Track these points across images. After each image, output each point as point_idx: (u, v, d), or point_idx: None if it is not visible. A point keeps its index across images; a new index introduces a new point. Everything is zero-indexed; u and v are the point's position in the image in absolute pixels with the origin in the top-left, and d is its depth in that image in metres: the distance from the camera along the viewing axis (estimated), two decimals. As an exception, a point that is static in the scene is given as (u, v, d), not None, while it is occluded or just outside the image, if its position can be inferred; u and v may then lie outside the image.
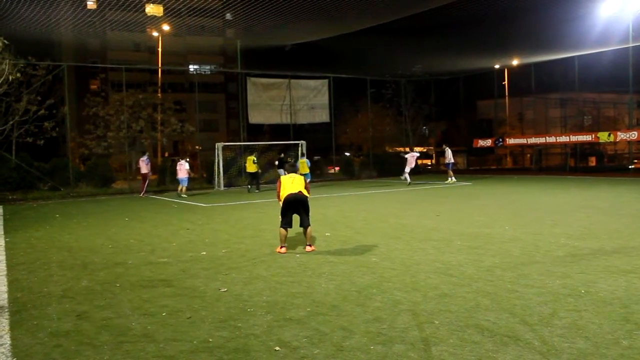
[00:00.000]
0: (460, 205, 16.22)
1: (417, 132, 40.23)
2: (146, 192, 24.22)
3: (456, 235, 10.38)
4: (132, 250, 9.77)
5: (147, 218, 15.06)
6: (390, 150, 41.46)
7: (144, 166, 24.08)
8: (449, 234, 10.48)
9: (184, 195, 22.55)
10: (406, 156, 26.61)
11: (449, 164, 27.11)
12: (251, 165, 24.88)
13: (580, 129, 38.08)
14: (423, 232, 10.94)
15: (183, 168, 22.54)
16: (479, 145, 37.53)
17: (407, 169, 25.96)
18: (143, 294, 6.64)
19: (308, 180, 27.07)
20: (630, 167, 32.34)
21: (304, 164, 24.64)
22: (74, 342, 5.01)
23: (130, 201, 21.55)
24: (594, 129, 38.05)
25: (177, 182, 23.03)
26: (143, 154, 24.91)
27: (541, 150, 39.05)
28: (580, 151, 36.81)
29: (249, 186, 24.98)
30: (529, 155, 42.89)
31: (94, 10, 27.96)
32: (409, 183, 25.95)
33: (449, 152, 27.02)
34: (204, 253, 9.25)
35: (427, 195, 20.46)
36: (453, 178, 26.92)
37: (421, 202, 17.40)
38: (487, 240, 9.73)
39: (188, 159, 23.72)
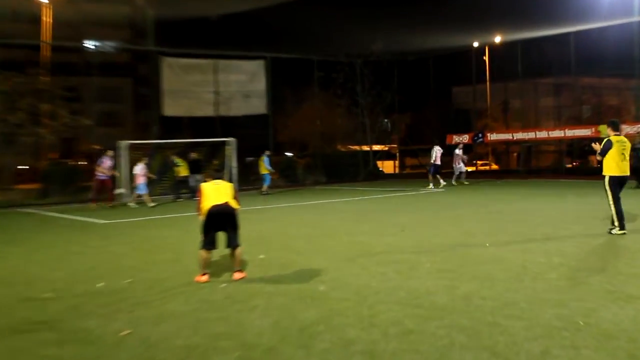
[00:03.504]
0: (430, 217, 16.41)
1: (377, 127, 40.68)
2: (97, 200, 23.52)
3: (425, 255, 10.45)
4: (2, 284, 9.43)
5: (23, 240, 14.62)
6: (343, 150, 41.84)
7: (106, 168, 23.61)
8: (416, 254, 10.54)
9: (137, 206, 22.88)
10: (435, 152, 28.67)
11: (434, 166, 28.31)
12: (183, 168, 25.47)
13: (578, 122, 38.91)
14: (383, 252, 10.97)
15: (140, 173, 23.29)
16: (453, 142, 38.06)
17: (457, 168, 30.07)
18: (16, 342, 6.40)
19: (266, 184, 27.81)
20: None
21: (262, 163, 25.66)
22: None
23: (2, 217, 20.92)
24: (594, 121, 38.76)
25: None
26: (104, 153, 24.22)
27: (530, 148, 40.15)
28: (579, 148, 37.92)
29: (177, 195, 25.55)
30: (515, 154, 44.07)
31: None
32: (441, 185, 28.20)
33: (437, 153, 28.28)
34: (102, 284, 9.02)
35: (389, 204, 20.62)
36: (442, 181, 28.21)
37: (381, 214, 17.50)
38: (463, 260, 9.83)
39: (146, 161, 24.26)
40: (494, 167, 48.07)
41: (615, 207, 11.94)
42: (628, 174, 12.15)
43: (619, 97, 47.56)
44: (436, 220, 15.66)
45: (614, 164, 11.97)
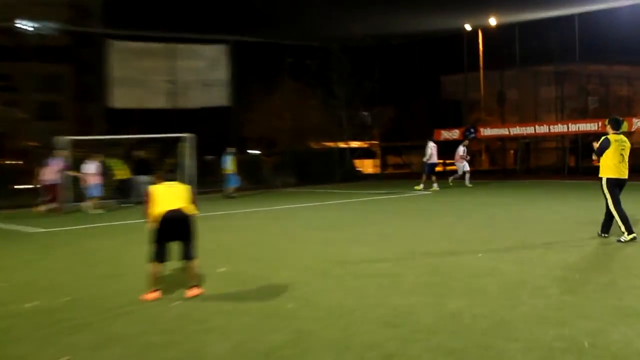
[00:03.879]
0: (416, 223, 16.43)
1: (356, 121, 40.73)
2: (47, 203, 23.22)
3: (409, 266, 10.44)
4: None
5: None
6: (317, 147, 41.78)
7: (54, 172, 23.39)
8: (399, 266, 10.53)
9: (96, 211, 22.67)
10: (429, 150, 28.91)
11: (429, 165, 28.72)
12: (121, 169, 25.47)
13: (583, 115, 39.03)
14: (361, 263, 10.95)
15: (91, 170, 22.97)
16: (442, 138, 38.23)
17: (460, 167, 30.46)
18: None
19: (231, 186, 27.62)
20: None
21: (231, 160, 25.99)
22: None
23: None
24: (601, 114, 38.46)
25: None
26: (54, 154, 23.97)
27: (529, 145, 40.37)
28: (584, 145, 38.09)
29: (120, 199, 25.55)
30: (512, 151, 44.21)
31: None
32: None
33: (432, 150, 28.66)
34: (36, 304, 8.88)
35: (369, 209, 20.64)
36: (435, 185, 28.21)
37: (359, 221, 17.50)
38: (452, 273, 9.82)
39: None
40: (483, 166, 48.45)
41: (617, 211, 12.14)
42: (626, 176, 12.35)
43: (629, 87, 47.86)
44: (423, 227, 15.68)
45: (612, 165, 12.20)
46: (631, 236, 11.96)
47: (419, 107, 44.31)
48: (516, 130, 37.32)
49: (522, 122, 39.65)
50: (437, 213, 18.82)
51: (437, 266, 10.46)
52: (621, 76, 47.81)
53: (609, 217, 12.46)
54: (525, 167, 39.07)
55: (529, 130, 36.64)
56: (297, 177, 35.12)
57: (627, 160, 12.27)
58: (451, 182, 30.03)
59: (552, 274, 9.47)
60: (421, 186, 28.26)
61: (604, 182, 12.27)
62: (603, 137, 12.37)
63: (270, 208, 22.59)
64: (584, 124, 34.67)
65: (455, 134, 37.92)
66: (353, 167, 42.22)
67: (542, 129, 36.19)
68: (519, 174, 37.21)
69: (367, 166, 49.16)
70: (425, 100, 44.91)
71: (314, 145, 42.09)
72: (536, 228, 14.68)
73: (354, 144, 43.01)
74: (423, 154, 29.22)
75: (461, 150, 30.48)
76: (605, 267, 10.09)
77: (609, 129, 12.47)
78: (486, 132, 38.33)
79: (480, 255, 11.34)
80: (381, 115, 44.85)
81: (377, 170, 48.40)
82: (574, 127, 34.90)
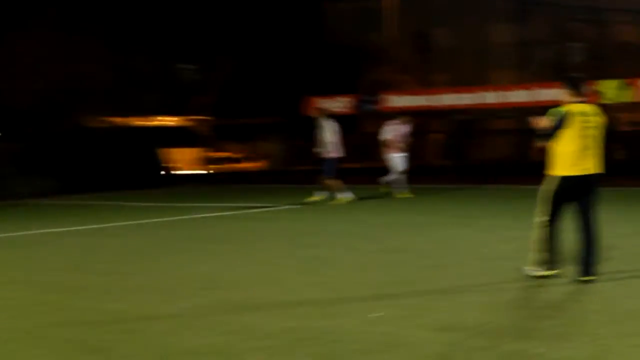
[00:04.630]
0: (267, 257, 12.08)
1: (169, 80, 30.95)
2: None
3: (236, 336, 7.04)
4: None
5: None
6: (96, 126, 31.26)
7: None
8: (223, 333, 7.08)
9: None
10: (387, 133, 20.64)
11: (329, 160, 19.74)
12: None
13: (560, 75, 29.00)
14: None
15: None
16: (320, 113, 25.20)
17: (399, 160, 20.51)
18: None
19: None
20: None
21: None
22: None
23: None
24: (590, 72, 28.73)
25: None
26: None
27: (470, 125, 30.26)
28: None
29: None
30: (439, 135, 31.85)
31: None
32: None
33: (330, 132, 19.66)
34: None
35: (181, 237, 15.20)
36: (323, 192, 20.07)
37: (159, 257, 12.56)
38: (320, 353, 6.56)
39: None
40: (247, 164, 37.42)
41: (544, 230, 8.63)
42: (595, 171, 8.51)
43: (635, 27, 34.91)
44: (278, 265, 11.52)
45: (570, 155, 8.33)
46: (550, 272, 8.68)
47: (283, 59, 33.78)
48: (446, 100, 27.08)
49: (458, 85, 30.23)
50: (314, 241, 13.96)
51: (290, 338, 7.03)
52: (623, 10, 34.11)
53: (587, 244, 8.68)
54: (460, 161, 27.92)
55: (468, 99, 26.81)
56: (59, 179, 26.86)
57: (598, 146, 8.42)
58: (385, 188, 21.37)
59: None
60: (319, 195, 20.02)
61: (550, 183, 8.54)
62: (555, 109, 8.40)
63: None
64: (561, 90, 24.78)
65: (341, 104, 27.57)
66: (159, 161, 31.06)
67: (491, 98, 26.45)
68: (449, 174, 26.78)
69: (186, 160, 35.18)
70: (295, 47, 34.02)
71: (90, 122, 31.33)
72: (468, 266, 10.91)
73: (165, 121, 34.91)
74: (315, 140, 20.02)
75: (391, 131, 20.67)
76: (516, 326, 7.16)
77: (565, 95, 8.55)
78: (395, 101, 27.53)
79: (372, 315, 7.89)
80: (215, 71, 33.56)
81: (207, 167, 36.58)
82: (544, 95, 24.31)
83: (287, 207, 19.79)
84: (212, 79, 33.75)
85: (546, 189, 8.66)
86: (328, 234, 15.21)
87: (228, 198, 22.86)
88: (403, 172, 20.57)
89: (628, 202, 17.84)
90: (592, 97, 22.34)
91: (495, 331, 7.02)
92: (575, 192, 8.46)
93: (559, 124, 8.23)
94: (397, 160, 20.48)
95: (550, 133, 8.33)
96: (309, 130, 21.70)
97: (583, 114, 8.30)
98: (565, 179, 8.34)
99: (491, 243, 12.94)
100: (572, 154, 8.26)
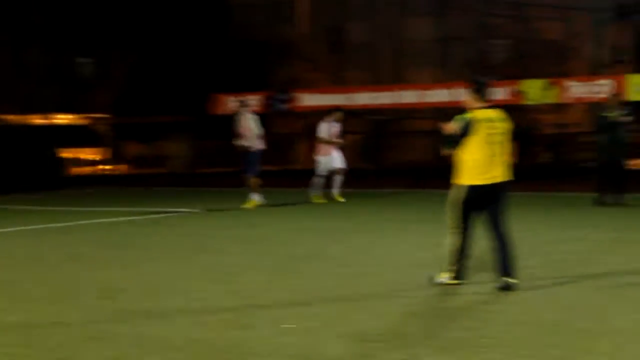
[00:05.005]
0: (172, 267, 11.31)
1: (65, 75, 30.11)
2: None
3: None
4: None
5: None
6: None
7: None
8: None
9: None
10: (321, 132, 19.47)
11: (251, 155, 18.68)
12: None
13: (446, 73, 32.04)
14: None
15: None
16: (228, 111, 25.69)
17: (324, 164, 19.47)
18: None
19: None
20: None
21: None
22: None
23: None
24: (515, 71, 29.74)
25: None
26: None
27: (385, 125, 30.07)
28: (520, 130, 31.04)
29: None
30: (355, 136, 30.52)
31: None
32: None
33: (248, 126, 18.48)
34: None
35: (70, 241, 14.22)
36: (256, 197, 18.97)
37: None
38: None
39: None
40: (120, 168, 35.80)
41: (455, 238, 8.48)
42: (503, 179, 8.40)
43: (564, 24, 34.91)
44: (183, 271, 10.93)
45: (477, 164, 8.17)
46: (454, 281, 8.57)
47: (188, 53, 32.73)
48: (362, 99, 26.36)
49: (375, 83, 31.05)
50: (221, 245, 13.48)
51: (195, 350, 6.53)
52: (551, 6, 34.61)
53: (502, 252, 8.49)
54: (377, 164, 28.08)
55: (384, 98, 26.33)
56: None
57: (505, 153, 8.33)
58: (315, 198, 20.30)
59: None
60: (256, 199, 18.87)
61: (457, 192, 8.44)
62: (460, 116, 8.32)
63: None
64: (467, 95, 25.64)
65: (253, 102, 24.80)
66: (58, 161, 28.34)
67: (408, 97, 26.00)
68: (366, 176, 25.91)
69: (86, 161, 35.37)
70: (201, 41, 32.96)
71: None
72: (385, 274, 10.38)
73: (60, 119, 33.66)
74: (236, 134, 18.60)
75: (326, 128, 19.58)
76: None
77: (470, 100, 8.42)
78: (307, 99, 26.93)
79: (285, 325, 7.47)
80: (116, 65, 33.70)
81: (107, 168, 35.79)
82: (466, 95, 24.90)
83: (196, 210, 18.78)
84: (111, 74, 32.88)
85: (454, 198, 8.62)
86: (240, 239, 14.55)
87: (128, 202, 21.71)
88: (341, 172, 19.73)
89: (551, 208, 17.70)
90: (515, 98, 23.85)
91: (414, 343, 6.73)
92: (484, 200, 8.42)
93: (465, 131, 8.16)
94: (332, 160, 19.58)
95: (456, 140, 8.24)
96: (216, 130, 20.68)
97: (489, 120, 8.24)
98: (473, 189, 8.29)
99: (409, 250, 12.63)
100: (478, 162, 8.20)
